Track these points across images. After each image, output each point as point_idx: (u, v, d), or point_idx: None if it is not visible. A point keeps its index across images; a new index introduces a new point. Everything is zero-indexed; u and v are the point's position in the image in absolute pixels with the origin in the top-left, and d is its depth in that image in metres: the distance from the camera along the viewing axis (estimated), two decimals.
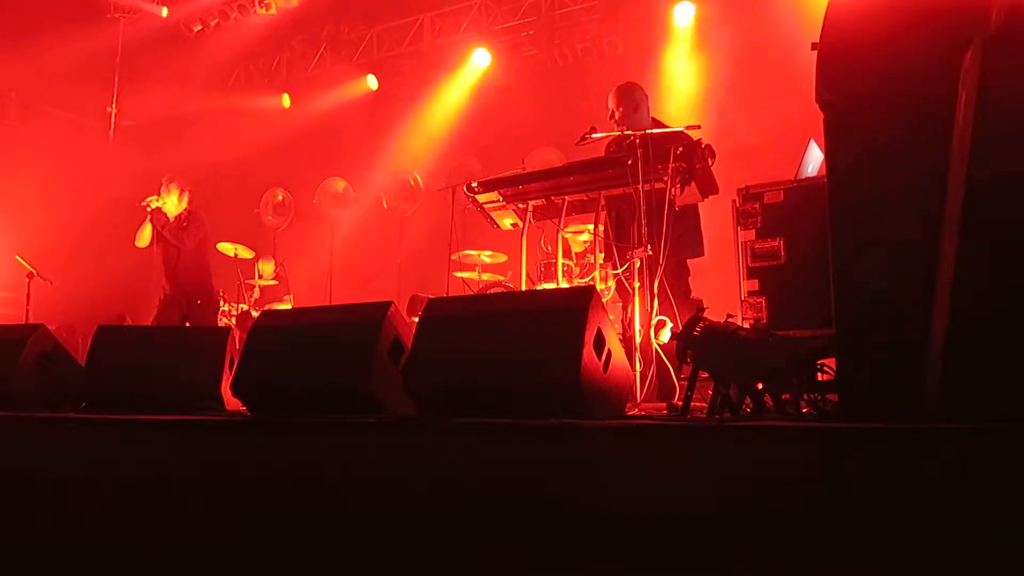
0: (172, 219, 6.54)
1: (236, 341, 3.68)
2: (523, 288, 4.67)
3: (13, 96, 9.61)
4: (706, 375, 2.50)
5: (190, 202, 6.65)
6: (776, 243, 2.97)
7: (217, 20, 8.92)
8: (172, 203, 6.55)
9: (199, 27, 9.04)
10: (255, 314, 7.29)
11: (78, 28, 8.91)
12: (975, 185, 1.78)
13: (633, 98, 4.72)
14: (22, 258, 7.34)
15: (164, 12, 8.98)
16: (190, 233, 6.52)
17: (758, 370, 2.32)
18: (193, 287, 6.54)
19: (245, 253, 8.33)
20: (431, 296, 6.47)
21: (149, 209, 6.46)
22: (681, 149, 3.97)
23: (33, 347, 3.36)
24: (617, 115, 4.69)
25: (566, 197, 4.47)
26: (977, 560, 1.41)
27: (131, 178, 9.26)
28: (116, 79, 9.34)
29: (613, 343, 2.42)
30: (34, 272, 7.28)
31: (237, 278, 8.32)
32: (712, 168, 4.16)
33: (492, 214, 4.75)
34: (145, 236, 6.56)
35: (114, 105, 9.42)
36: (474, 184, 4.56)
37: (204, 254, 6.72)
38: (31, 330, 3.43)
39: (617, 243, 4.46)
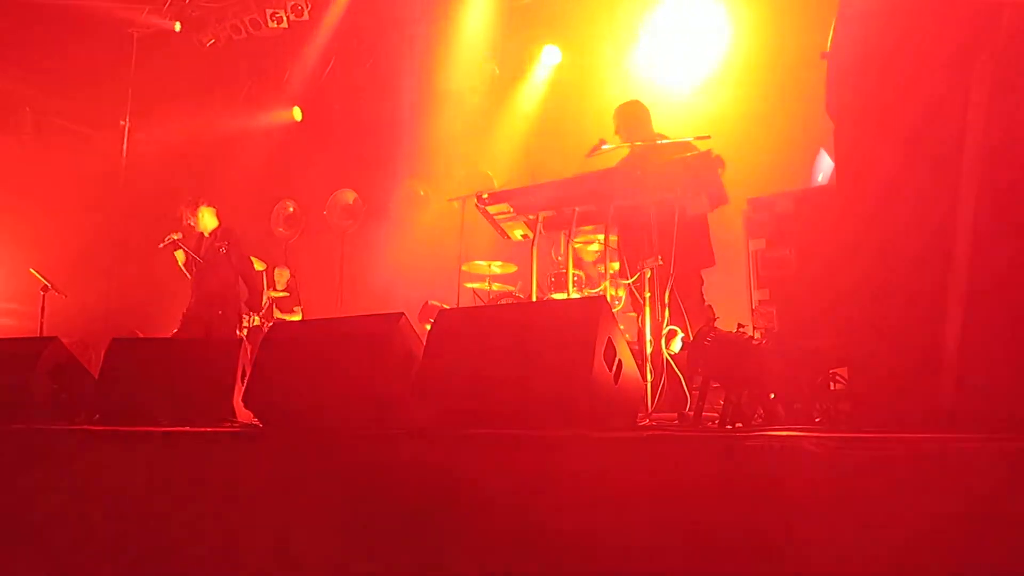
0: (207, 235, 6.57)
1: (248, 353, 3.70)
2: (533, 299, 4.67)
3: (27, 111, 9.71)
4: (717, 385, 2.49)
5: (218, 216, 6.70)
6: (787, 252, 2.96)
7: (230, 35, 8.99)
8: (204, 221, 6.58)
9: (212, 41, 9.10)
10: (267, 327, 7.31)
11: (92, 43, 9.00)
12: (988, 191, 1.77)
13: (635, 113, 4.84)
14: (37, 271, 7.40)
15: (177, 27, 9.05)
16: (231, 254, 6.52)
17: (770, 380, 2.31)
18: (218, 298, 6.54)
19: (257, 265, 8.38)
20: (443, 303, 6.51)
21: (172, 242, 6.46)
22: (690, 159, 3.97)
23: (48, 359, 3.38)
24: (622, 131, 4.77)
25: (576, 208, 4.48)
26: (982, 568, 1.39)
27: (145, 191, 9.34)
28: (129, 93, 9.43)
29: (624, 353, 2.41)
30: (49, 285, 7.33)
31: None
32: (721, 178, 4.15)
33: (502, 225, 4.75)
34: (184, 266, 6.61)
35: (127, 119, 9.51)
36: (484, 195, 4.57)
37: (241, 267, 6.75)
38: (46, 343, 3.46)
39: (627, 253, 4.46)
